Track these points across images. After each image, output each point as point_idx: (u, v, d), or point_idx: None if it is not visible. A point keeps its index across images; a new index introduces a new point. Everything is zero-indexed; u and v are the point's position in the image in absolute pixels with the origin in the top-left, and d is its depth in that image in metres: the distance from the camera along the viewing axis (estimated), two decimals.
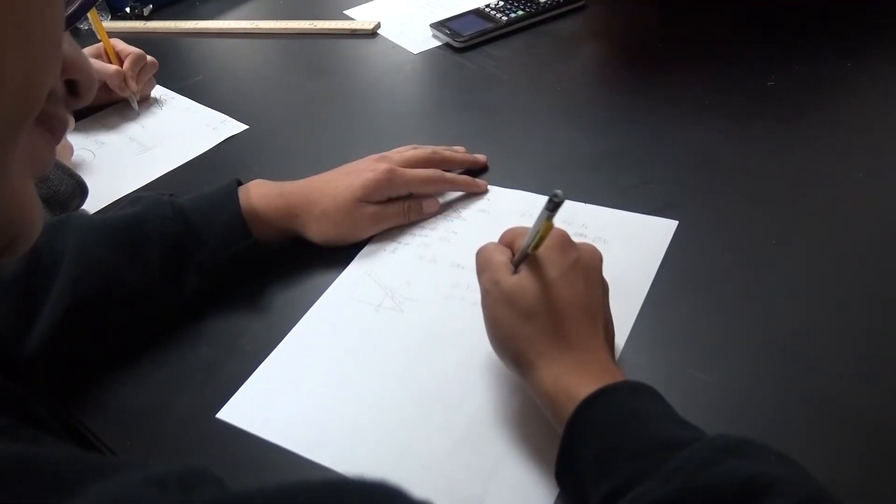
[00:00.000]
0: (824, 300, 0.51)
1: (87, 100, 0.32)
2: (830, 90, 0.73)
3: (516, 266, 0.46)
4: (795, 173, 0.63)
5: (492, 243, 0.49)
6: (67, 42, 0.30)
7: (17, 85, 0.25)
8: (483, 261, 0.47)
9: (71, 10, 0.29)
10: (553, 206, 0.41)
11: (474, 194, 0.67)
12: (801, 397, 0.46)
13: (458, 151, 0.70)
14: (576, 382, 0.41)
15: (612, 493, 0.36)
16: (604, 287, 0.47)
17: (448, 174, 0.66)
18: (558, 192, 0.40)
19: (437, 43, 0.96)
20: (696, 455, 0.35)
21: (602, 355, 0.43)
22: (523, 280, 0.44)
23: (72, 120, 0.74)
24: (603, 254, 0.47)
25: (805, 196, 0.61)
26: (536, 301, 0.43)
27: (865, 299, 0.51)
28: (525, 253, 0.45)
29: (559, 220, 0.42)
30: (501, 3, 0.98)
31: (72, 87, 0.31)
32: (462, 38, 0.93)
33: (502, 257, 0.47)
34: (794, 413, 0.45)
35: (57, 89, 0.28)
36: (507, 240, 0.49)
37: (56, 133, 0.29)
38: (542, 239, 0.43)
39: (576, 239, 0.46)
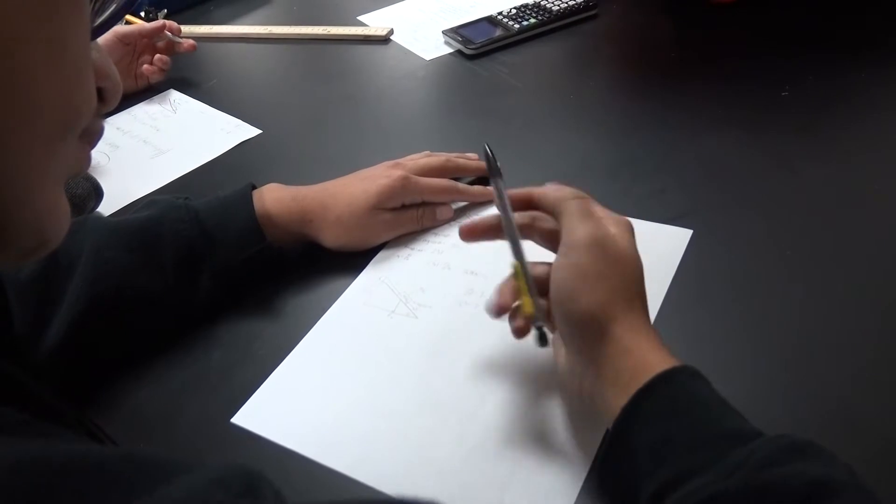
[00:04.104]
0: (838, 310, 0.51)
1: (113, 105, 0.32)
2: (845, 101, 0.73)
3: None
4: (809, 183, 0.63)
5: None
6: (94, 49, 0.30)
7: (53, 102, 0.25)
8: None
9: (99, 21, 0.30)
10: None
11: (488, 201, 0.67)
12: (816, 406, 0.46)
13: (471, 159, 0.70)
14: (642, 362, 0.40)
15: (669, 482, 0.35)
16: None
17: (461, 185, 0.66)
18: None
19: (450, 50, 0.97)
20: (760, 452, 0.34)
21: (649, 324, 0.43)
22: (612, 227, 0.44)
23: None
24: None
25: (819, 206, 0.60)
26: (626, 246, 0.44)
27: (879, 309, 0.51)
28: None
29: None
30: (514, 11, 0.98)
31: (98, 94, 0.31)
32: (474, 45, 0.93)
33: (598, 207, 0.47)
34: (811, 422, 0.45)
35: (95, 104, 0.29)
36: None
37: (93, 143, 0.30)
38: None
39: None
